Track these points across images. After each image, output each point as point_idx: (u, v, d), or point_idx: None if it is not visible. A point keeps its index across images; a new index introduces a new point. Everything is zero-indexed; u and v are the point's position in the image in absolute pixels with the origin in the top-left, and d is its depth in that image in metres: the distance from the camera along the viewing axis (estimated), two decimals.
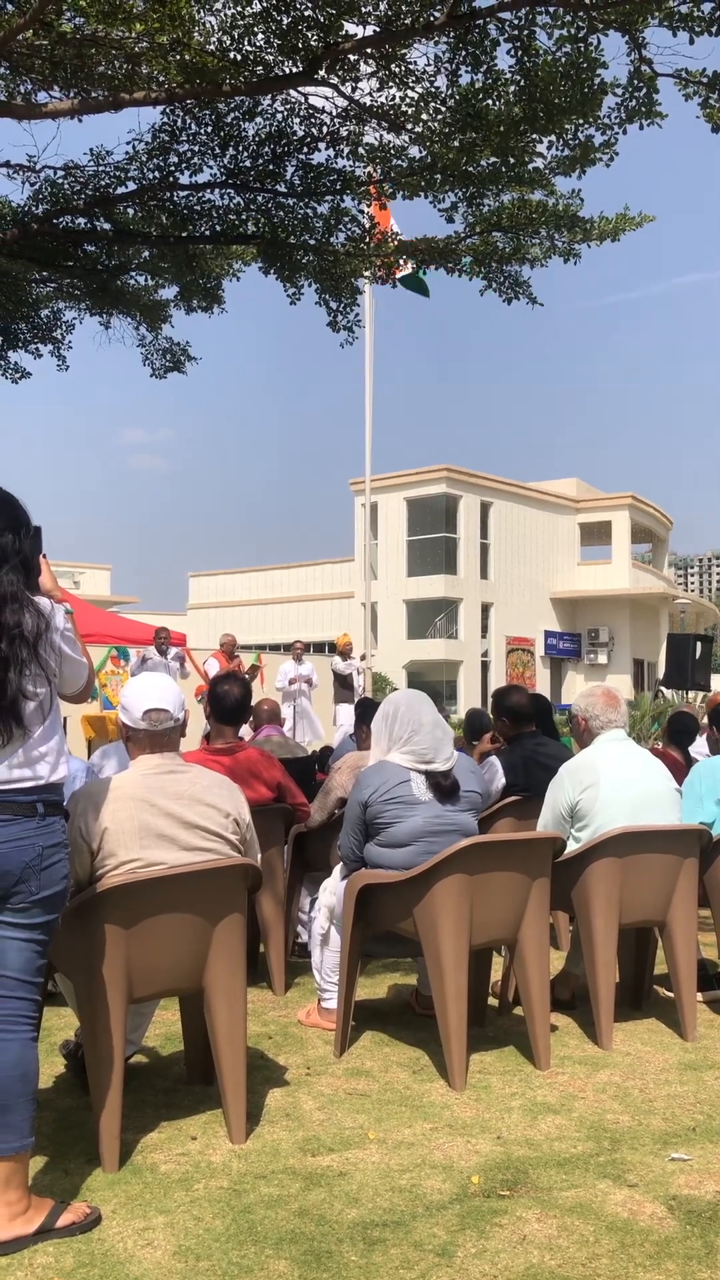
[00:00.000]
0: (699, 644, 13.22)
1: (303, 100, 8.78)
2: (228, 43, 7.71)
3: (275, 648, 25.99)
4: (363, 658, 15.93)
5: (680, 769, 5.81)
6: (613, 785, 4.54)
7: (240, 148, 9.26)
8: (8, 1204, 2.76)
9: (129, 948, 3.28)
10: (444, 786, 4.17)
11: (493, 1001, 4.85)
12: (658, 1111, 3.69)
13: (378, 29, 7.62)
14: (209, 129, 9.13)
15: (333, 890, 4.61)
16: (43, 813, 2.87)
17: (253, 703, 5.61)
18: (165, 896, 3.32)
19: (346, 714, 15.07)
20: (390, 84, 8.23)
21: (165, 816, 3.36)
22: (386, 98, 8.38)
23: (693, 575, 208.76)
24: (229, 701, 4.98)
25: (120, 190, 9.63)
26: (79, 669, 3.04)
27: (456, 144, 8.51)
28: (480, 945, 4.15)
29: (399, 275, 11.89)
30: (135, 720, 3.44)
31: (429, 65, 8.17)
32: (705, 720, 6.29)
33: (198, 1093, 3.82)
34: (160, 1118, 3.61)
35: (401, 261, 10.79)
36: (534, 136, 8.42)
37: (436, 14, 7.48)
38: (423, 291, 16.96)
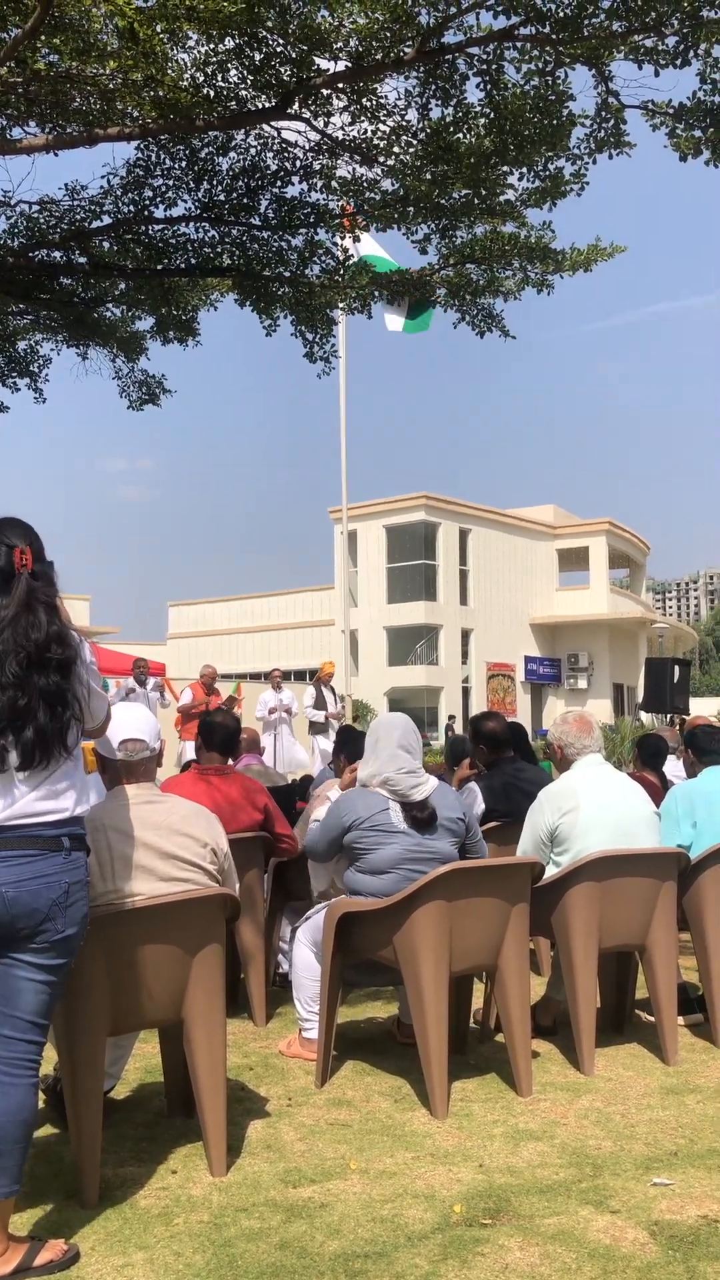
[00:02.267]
0: (677, 668, 13.28)
1: (276, 134, 8.87)
2: (201, 79, 7.79)
3: (256, 676, 25.94)
4: (329, 684, 15.62)
5: (657, 791, 5.83)
6: (593, 809, 4.56)
7: (214, 182, 9.34)
8: None
9: (107, 980, 3.26)
10: (420, 818, 4.20)
11: (474, 1028, 4.84)
12: (639, 1136, 3.69)
13: (349, 64, 7.72)
14: (183, 163, 9.21)
15: (311, 941, 4.59)
16: (69, 847, 2.85)
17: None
18: (143, 928, 3.31)
19: (324, 743, 15.02)
20: (362, 118, 8.33)
21: (143, 847, 3.36)
22: (358, 131, 8.48)
23: (670, 600, 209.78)
24: (220, 733, 5.12)
25: (95, 224, 9.68)
26: (102, 703, 3.04)
27: (428, 176, 8.61)
28: (461, 972, 4.15)
29: (400, 321, 12.01)
30: (111, 751, 3.45)
31: (400, 99, 8.28)
32: (682, 744, 6.32)
33: (178, 1125, 3.79)
34: (140, 1151, 3.58)
35: (401, 302, 10.92)
36: (505, 169, 8.53)
37: (407, 50, 7.59)
38: (424, 326, 17.16)
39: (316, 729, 15.30)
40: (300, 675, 28.96)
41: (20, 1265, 2.75)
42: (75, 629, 2.98)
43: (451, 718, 29.91)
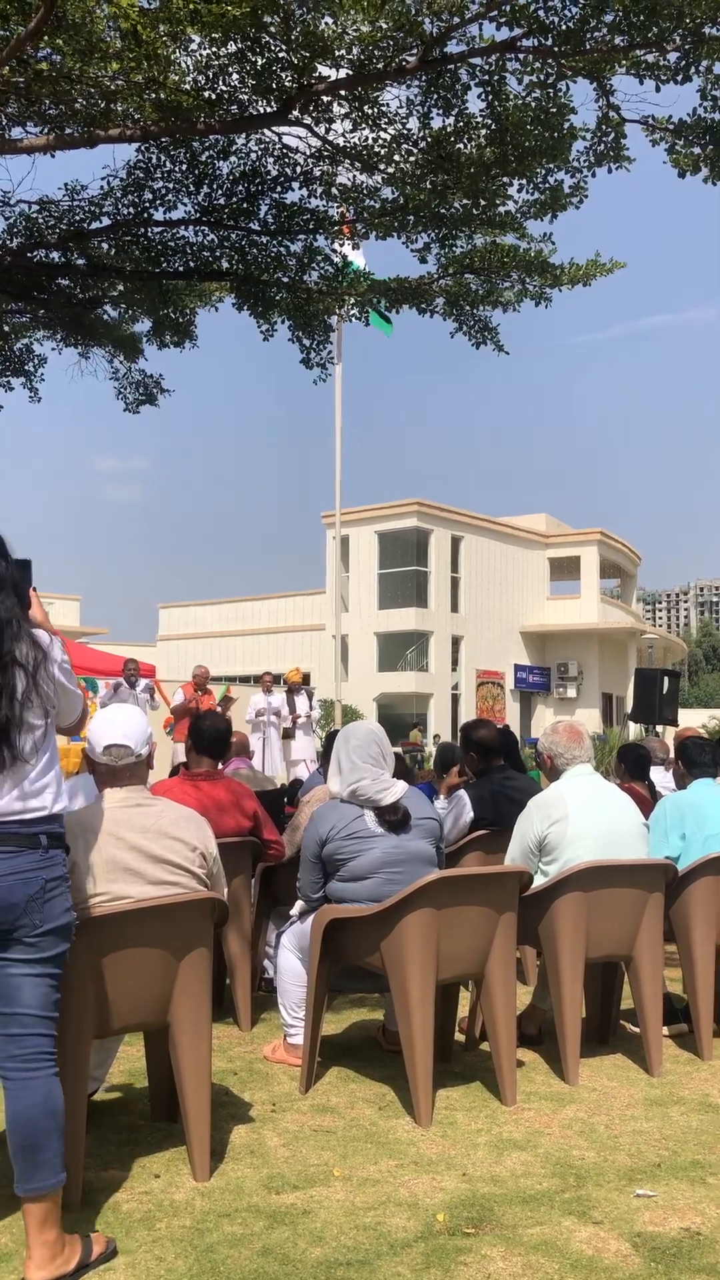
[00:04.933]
0: (666, 679, 13.30)
1: (276, 140, 8.88)
2: (203, 82, 7.79)
3: (246, 679, 25.94)
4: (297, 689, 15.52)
5: (645, 802, 5.84)
6: (581, 819, 4.57)
7: (214, 185, 9.34)
8: (46, 1244, 2.74)
9: (94, 982, 3.25)
10: (393, 821, 4.23)
11: (459, 1037, 4.84)
12: (623, 1147, 3.69)
13: (351, 71, 7.74)
14: (183, 166, 9.21)
15: (297, 946, 4.58)
16: (45, 845, 2.87)
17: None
18: (131, 931, 3.31)
19: (298, 749, 15.00)
20: (363, 125, 8.34)
21: (132, 850, 3.35)
22: (359, 139, 8.48)
23: (660, 610, 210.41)
24: (212, 734, 5.14)
25: (94, 225, 9.68)
26: (75, 701, 3.06)
27: (428, 185, 8.63)
28: (447, 980, 4.15)
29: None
30: (97, 754, 3.45)
31: (401, 108, 8.29)
32: (672, 755, 6.32)
33: (161, 1130, 3.78)
34: (123, 1155, 3.57)
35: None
36: (505, 180, 8.56)
37: (409, 58, 7.61)
38: (385, 328, 17.50)
39: (286, 734, 15.33)
40: None
41: (80, 1262, 2.78)
42: (48, 627, 2.99)
43: (436, 736, 29.90)
